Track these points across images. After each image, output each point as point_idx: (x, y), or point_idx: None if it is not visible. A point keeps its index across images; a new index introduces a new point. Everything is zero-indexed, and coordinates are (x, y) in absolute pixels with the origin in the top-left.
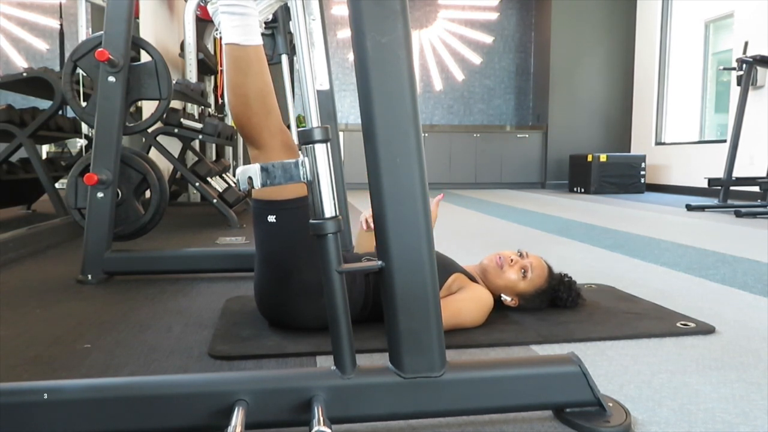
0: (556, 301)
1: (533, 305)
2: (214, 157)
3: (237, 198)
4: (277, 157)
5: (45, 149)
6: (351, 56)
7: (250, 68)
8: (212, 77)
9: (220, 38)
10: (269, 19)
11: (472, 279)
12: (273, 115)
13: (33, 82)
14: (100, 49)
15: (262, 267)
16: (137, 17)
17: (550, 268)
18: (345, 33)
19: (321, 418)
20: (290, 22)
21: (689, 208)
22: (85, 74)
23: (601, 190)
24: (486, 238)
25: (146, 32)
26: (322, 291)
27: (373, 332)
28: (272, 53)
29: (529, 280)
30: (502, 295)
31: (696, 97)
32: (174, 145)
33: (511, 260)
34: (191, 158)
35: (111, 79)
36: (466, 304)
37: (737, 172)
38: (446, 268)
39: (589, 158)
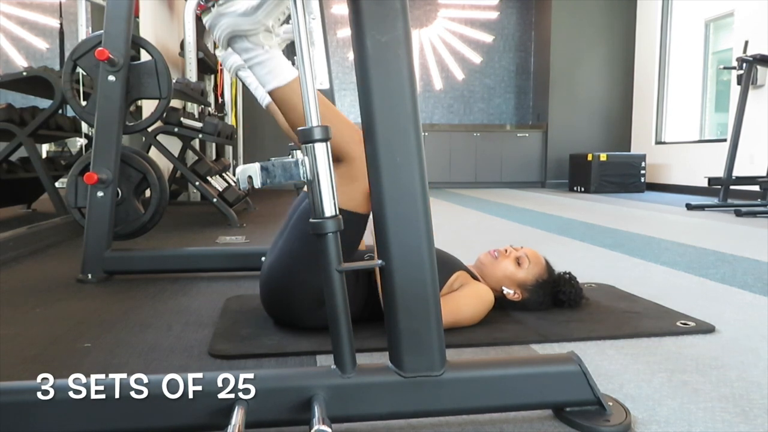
0: (560, 296)
1: (536, 298)
2: (214, 156)
3: (237, 197)
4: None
5: (45, 148)
6: (351, 55)
7: (300, 101)
8: (212, 76)
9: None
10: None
11: (475, 277)
12: (346, 125)
13: (33, 81)
14: (100, 48)
15: (281, 252)
16: (137, 16)
17: (546, 260)
18: (345, 32)
19: (321, 417)
20: (290, 22)
21: (689, 207)
22: (85, 73)
23: (601, 189)
24: (486, 237)
25: (146, 31)
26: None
27: (373, 331)
28: None
29: (527, 268)
30: (504, 288)
31: (696, 96)
32: (174, 144)
33: (506, 251)
34: (191, 157)
35: (111, 78)
36: (465, 300)
37: (737, 172)
38: (448, 265)
39: (589, 157)
